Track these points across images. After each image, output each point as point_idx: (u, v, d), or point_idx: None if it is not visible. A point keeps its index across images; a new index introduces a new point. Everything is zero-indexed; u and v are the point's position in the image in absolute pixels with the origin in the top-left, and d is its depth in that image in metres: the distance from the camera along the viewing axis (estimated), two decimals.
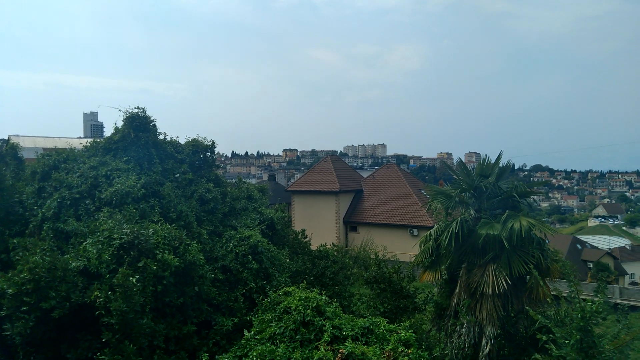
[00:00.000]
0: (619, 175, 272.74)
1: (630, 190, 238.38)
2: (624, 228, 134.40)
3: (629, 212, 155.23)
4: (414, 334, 8.83)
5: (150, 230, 10.97)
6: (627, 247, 72.18)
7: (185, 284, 11.67)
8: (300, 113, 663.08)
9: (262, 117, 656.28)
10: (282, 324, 9.21)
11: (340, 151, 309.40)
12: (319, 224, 46.63)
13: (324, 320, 9.13)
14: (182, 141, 16.78)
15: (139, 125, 14.69)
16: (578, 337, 6.76)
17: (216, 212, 15.16)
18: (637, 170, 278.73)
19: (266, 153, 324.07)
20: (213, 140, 16.91)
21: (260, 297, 11.90)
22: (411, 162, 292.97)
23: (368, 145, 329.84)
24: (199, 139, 16.75)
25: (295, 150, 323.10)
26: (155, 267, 10.33)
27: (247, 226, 15.19)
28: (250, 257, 13.32)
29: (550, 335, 7.60)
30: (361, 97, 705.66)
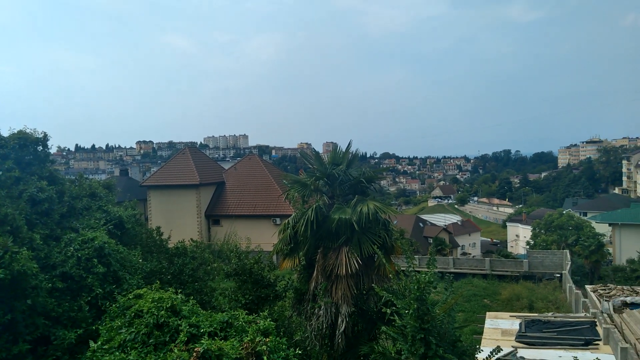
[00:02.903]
0: (451, 160, 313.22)
1: (460, 173, 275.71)
2: (456, 206, 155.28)
3: (459, 192, 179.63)
4: (272, 323, 8.96)
5: None
6: (459, 223, 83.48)
7: (15, 297, 10.19)
8: (154, 102, 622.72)
9: (111, 106, 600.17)
10: (133, 329, 8.57)
11: (201, 142, 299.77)
12: (179, 220, 44.64)
13: (180, 320, 8.74)
14: (6, 134, 14.45)
15: None
16: (415, 306, 7.59)
17: (52, 213, 13.43)
18: (465, 155, 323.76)
19: (117, 146, 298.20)
20: (45, 133, 14.91)
21: (108, 303, 10.92)
22: (273, 152, 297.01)
23: (229, 136, 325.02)
24: (28, 131, 14.59)
25: (151, 142, 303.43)
26: None
27: (90, 227, 13.77)
28: (96, 260, 12.12)
29: (394, 308, 8.38)
30: (220, 86, 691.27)
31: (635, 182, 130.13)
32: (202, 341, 7.57)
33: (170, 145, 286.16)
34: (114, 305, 10.10)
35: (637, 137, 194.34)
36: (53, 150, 19.28)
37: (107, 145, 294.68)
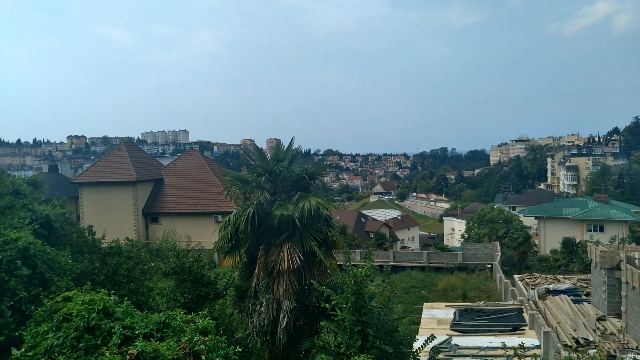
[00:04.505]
0: (392, 158, 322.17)
1: (400, 170, 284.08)
2: (396, 202, 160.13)
3: (399, 188, 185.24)
4: (212, 321, 8.80)
5: None
6: (399, 218, 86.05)
7: None
8: (88, 96, 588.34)
9: (39, 99, 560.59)
10: (61, 334, 8.10)
11: (138, 138, 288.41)
12: (114, 218, 42.75)
13: (113, 322, 8.37)
14: None
15: None
16: (352, 300, 7.76)
17: None
18: (405, 152, 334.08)
19: (46, 140, 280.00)
20: None
21: (34, 307, 10.25)
22: (215, 148, 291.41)
23: (169, 131, 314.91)
24: None
25: (84, 137, 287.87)
26: None
27: (14, 227, 12.83)
28: (20, 262, 11.31)
29: (334, 302, 8.50)
30: (160, 80, 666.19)
31: (558, 178, 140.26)
32: (137, 343, 7.31)
33: (105, 140, 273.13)
34: (39, 309, 9.50)
35: (560, 137, 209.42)
36: None
37: (34, 140, 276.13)
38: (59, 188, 43.60)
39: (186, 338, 7.69)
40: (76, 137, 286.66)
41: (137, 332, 8.20)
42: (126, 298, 9.90)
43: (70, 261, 13.39)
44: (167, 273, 14.12)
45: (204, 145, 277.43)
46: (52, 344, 7.97)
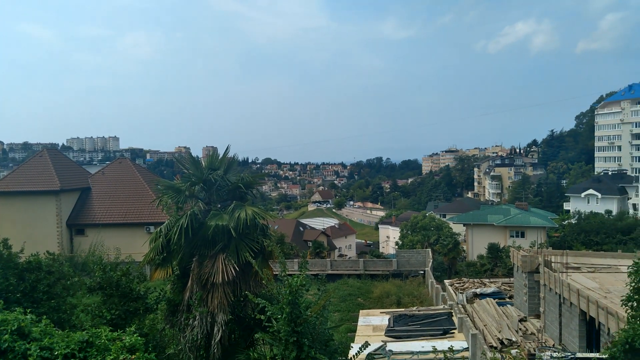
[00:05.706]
0: (329, 167, 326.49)
1: (338, 179, 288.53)
2: (334, 210, 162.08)
3: (337, 197, 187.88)
4: (140, 338, 8.39)
5: None
6: (336, 226, 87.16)
7: None
8: (7, 98, 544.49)
9: None
10: None
11: (63, 144, 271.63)
12: (35, 231, 39.79)
13: (29, 343, 7.75)
14: None
15: None
16: (288, 310, 7.72)
17: None
18: (342, 162, 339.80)
19: None
20: None
21: None
22: (148, 156, 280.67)
23: (97, 137, 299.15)
24: None
25: (1, 143, 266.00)
26: None
27: None
28: None
29: (269, 313, 8.41)
30: (88, 83, 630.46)
31: (484, 187, 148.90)
32: None
33: (26, 146, 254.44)
34: None
35: (486, 148, 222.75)
36: None
37: None
38: None
39: (112, 357, 7.30)
40: None
41: (56, 352, 7.66)
42: (45, 317, 9.20)
43: None
44: (93, 288, 13.28)
45: (136, 153, 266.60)
46: None
